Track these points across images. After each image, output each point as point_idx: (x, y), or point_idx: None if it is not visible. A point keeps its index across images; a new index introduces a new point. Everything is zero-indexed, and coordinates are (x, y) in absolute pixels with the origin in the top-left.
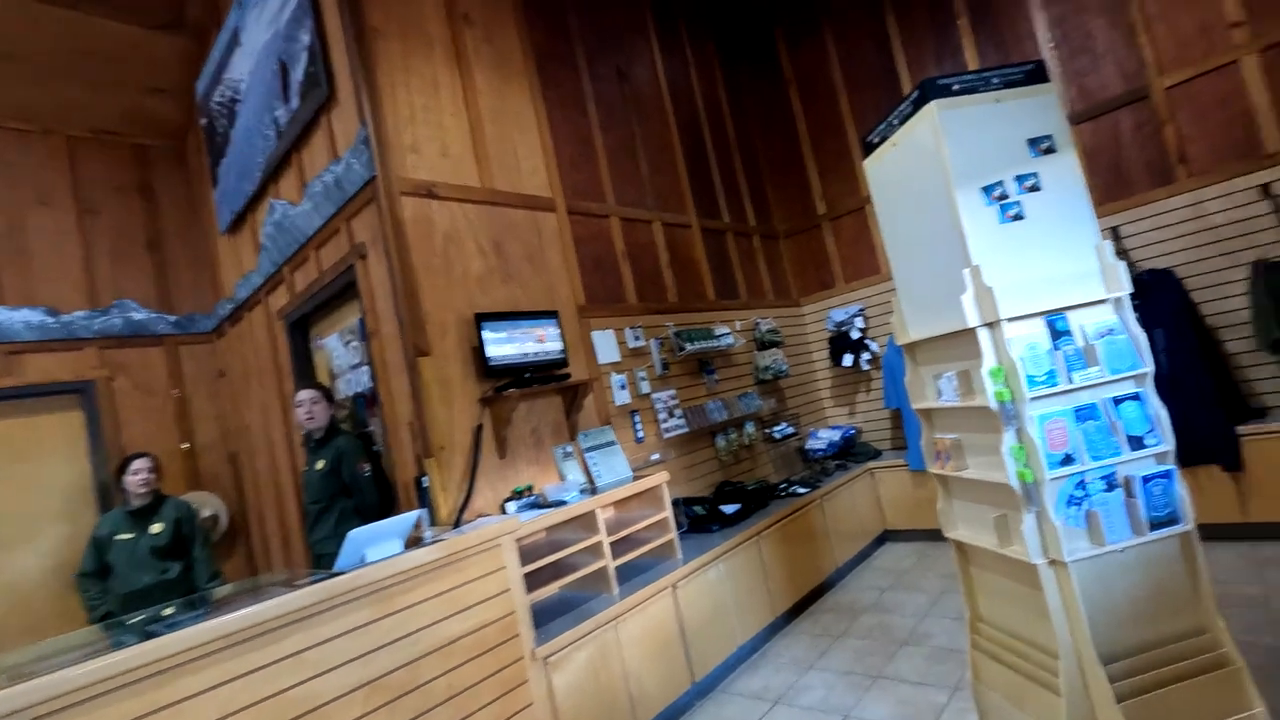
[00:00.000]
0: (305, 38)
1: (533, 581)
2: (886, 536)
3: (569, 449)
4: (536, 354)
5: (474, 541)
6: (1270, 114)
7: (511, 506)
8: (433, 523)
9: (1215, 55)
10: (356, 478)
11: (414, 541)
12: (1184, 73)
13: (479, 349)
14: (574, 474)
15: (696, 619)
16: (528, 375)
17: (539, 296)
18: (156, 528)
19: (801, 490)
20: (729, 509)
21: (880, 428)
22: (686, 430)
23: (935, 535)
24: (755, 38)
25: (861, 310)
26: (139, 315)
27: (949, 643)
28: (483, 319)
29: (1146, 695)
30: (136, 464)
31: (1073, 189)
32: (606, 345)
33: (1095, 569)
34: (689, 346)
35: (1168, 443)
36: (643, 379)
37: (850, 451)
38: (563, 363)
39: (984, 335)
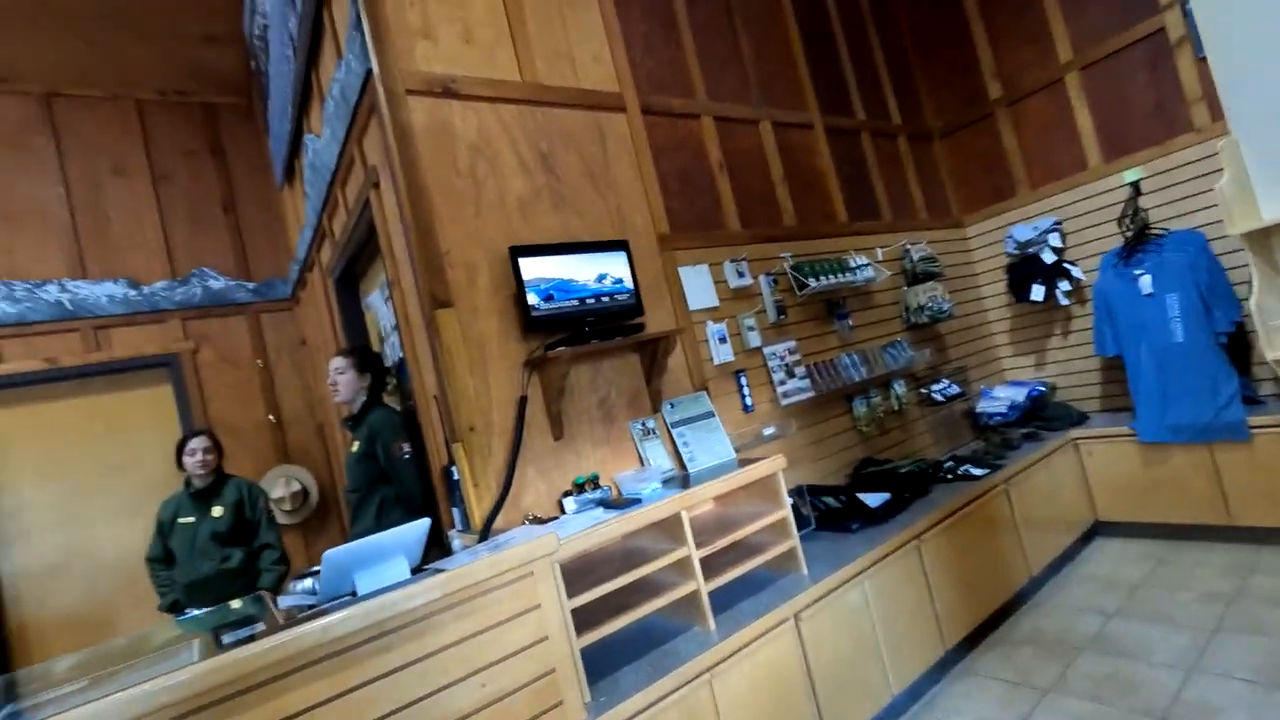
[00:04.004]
0: None
1: (598, 610)
2: (1098, 530)
3: (650, 424)
4: (599, 299)
5: (486, 573)
6: None
7: (570, 504)
8: (466, 527)
9: None
10: (393, 460)
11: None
12: None
13: (520, 295)
14: (658, 457)
15: (830, 663)
16: (587, 328)
17: (603, 223)
18: (217, 511)
19: (977, 472)
20: (874, 500)
21: (1085, 382)
22: (812, 395)
23: (1179, 532)
24: None
25: (1057, 224)
26: (217, 284)
27: None
28: (520, 253)
29: None
30: (193, 443)
31: None
32: (700, 285)
33: None
34: (813, 283)
35: None
36: (751, 329)
37: (1041, 415)
38: (634, 309)
39: None
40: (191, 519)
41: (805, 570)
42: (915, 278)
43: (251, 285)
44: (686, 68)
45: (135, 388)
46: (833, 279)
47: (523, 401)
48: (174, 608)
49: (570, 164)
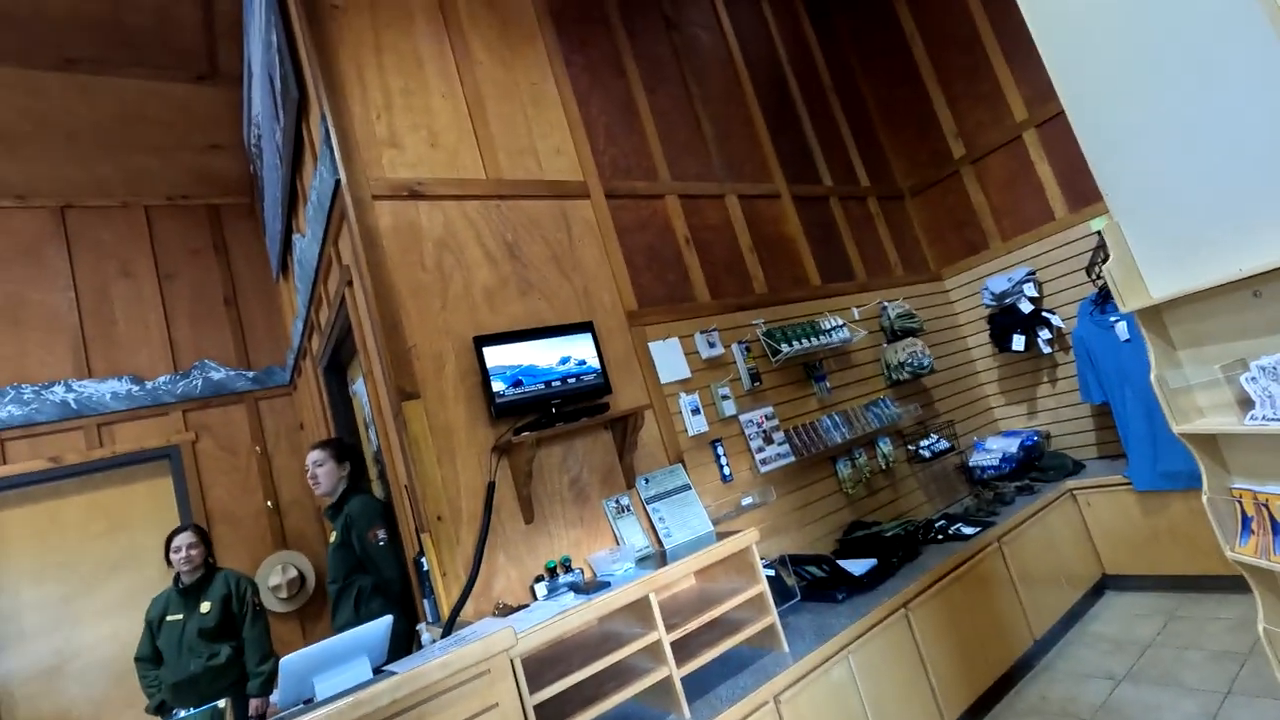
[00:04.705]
0: (275, 38)
1: (571, 701)
2: (1106, 584)
3: (625, 501)
4: (565, 380)
5: (437, 675)
6: None
7: (541, 590)
8: (437, 619)
9: None
10: (368, 548)
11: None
12: None
13: (485, 383)
14: (633, 534)
15: None
16: (554, 410)
17: (571, 305)
18: (205, 607)
19: (968, 530)
20: (858, 567)
21: (1079, 429)
22: (792, 460)
23: (1189, 584)
24: None
25: (1031, 274)
26: (218, 374)
27: None
28: (483, 342)
29: None
30: (178, 540)
31: None
32: (671, 358)
33: None
34: (786, 349)
35: None
36: (725, 398)
37: (1035, 465)
38: (601, 388)
39: None
40: (180, 616)
41: (786, 647)
42: (894, 334)
43: (251, 374)
44: (649, 152)
45: (136, 481)
46: (806, 343)
47: (490, 488)
48: (161, 709)
49: (536, 251)
